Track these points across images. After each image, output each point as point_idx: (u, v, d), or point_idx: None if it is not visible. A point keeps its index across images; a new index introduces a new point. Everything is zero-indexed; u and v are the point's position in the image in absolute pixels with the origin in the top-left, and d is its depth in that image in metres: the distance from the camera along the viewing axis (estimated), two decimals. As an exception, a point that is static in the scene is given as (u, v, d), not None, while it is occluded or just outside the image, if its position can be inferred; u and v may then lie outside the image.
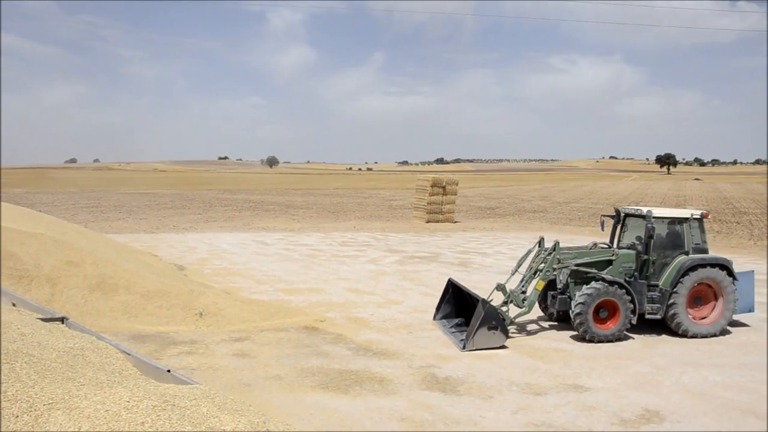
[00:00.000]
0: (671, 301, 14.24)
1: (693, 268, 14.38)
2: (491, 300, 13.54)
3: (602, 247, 15.08)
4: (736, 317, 15.36)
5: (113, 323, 14.23)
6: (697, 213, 15.17)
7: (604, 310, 13.93)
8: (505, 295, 14.05)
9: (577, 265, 14.48)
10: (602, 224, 16.02)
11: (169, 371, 3.41)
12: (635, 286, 14.40)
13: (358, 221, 43.00)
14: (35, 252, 16.79)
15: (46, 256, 16.68)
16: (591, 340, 13.65)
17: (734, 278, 14.65)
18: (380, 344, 13.30)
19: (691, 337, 14.18)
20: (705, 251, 14.99)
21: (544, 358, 12.55)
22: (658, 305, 14.43)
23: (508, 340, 13.33)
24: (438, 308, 15.33)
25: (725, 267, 14.65)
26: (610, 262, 14.62)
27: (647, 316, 14.51)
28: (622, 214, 15.80)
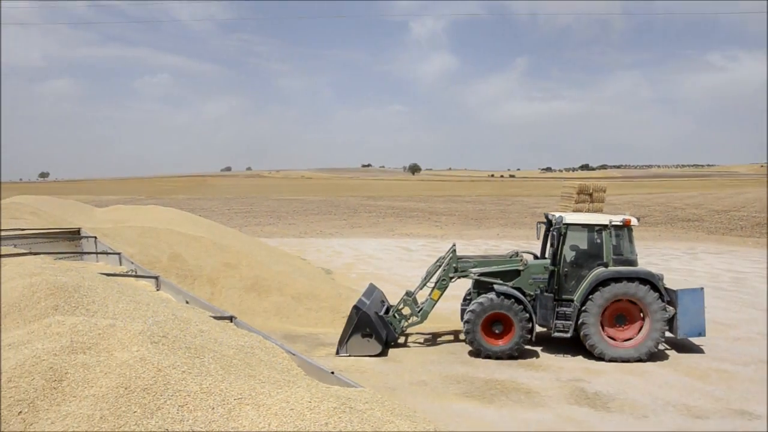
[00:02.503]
0: (581, 319, 12.58)
1: (608, 281, 12.60)
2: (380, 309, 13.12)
3: (514, 257, 13.57)
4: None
5: (266, 323, 14.95)
6: (617, 220, 13.13)
7: (499, 324, 12.67)
8: (404, 305, 13.36)
9: (481, 274, 13.29)
10: (537, 231, 14.46)
11: (332, 373, 3.54)
12: (541, 299, 13.01)
13: (501, 228, 42.48)
14: (197, 254, 18.06)
15: (207, 258, 17.88)
16: (487, 357, 12.45)
17: (661, 295, 12.62)
18: (527, 355, 13.03)
19: (609, 360, 12.45)
20: (631, 263, 13.03)
21: (704, 378, 11.70)
22: (569, 323, 12.78)
23: (642, 355, 12.57)
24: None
25: (649, 282, 12.65)
26: (518, 273, 13.25)
27: (554, 335, 12.94)
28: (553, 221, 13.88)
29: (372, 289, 14.36)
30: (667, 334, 12.98)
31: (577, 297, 12.85)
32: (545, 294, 13.10)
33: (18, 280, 4.23)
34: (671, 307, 12.99)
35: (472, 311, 12.65)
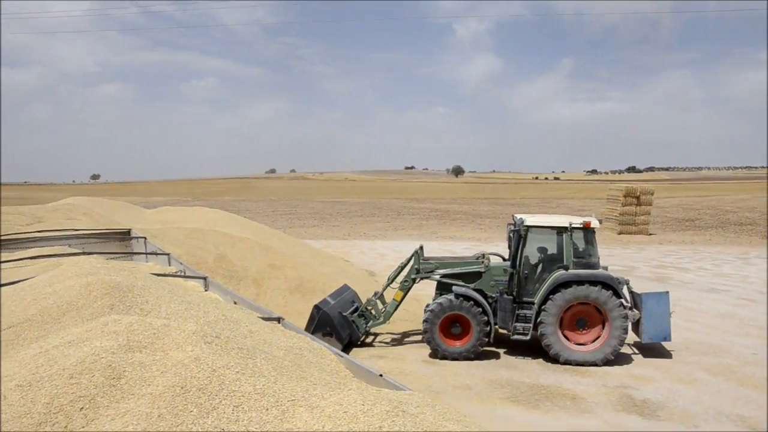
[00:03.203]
0: (539, 320, 12.53)
1: (567, 284, 12.47)
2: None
3: (480, 259, 13.59)
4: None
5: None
6: (577, 222, 12.92)
7: (458, 326, 12.74)
8: (369, 306, 13.51)
9: (443, 276, 13.38)
10: (508, 234, 14.19)
11: (381, 375, 3.55)
12: (501, 302, 12.91)
13: (545, 232, 41.92)
14: (243, 255, 18.30)
15: (253, 259, 18.11)
16: (443, 357, 12.56)
17: (622, 299, 12.51)
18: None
19: (564, 363, 12.36)
20: (592, 266, 12.81)
21: (759, 388, 11.30)
22: (528, 325, 12.72)
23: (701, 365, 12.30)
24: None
25: (609, 285, 12.44)
26: (480, 275, 13.25)
27: (513, 337, 12.86)
28: None
29: (343, 289, 14.58)
30: (635, 338, 13.12)
31: (537, 299, 12.83)
32: (505, 296, 13.06)
33: (75, 280, 4.35)
34: (636, 311, 12.95)
35: (430, 311, 12.84)
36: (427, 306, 13.15)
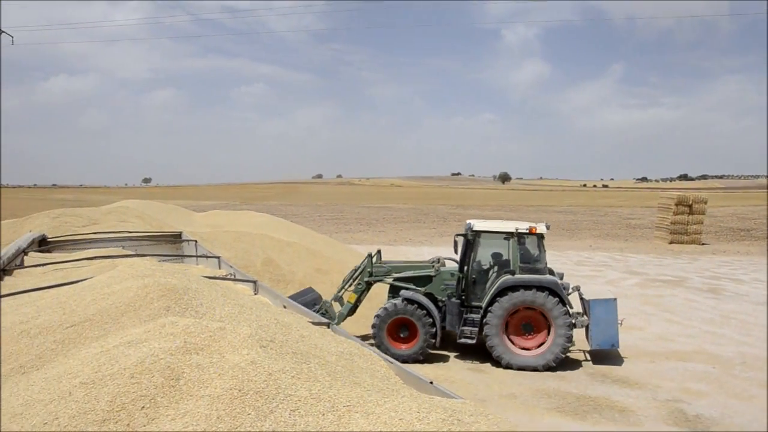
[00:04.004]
0: (485, 322, 12.67)
1: (513, 289, 12.59)
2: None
3: (435, 263, 13.83)
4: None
5: (357, 329, 15.11)
6: (523, 227, 13.03)
7: (405, 329, 12.91)
8: (325, 308, 13.59)
9: (395, 279, 13.68)
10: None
11: (431, 383, 3.55)
12: (448, 305, 13.10)
13: (594, 240, 41.36)
14: (290, 259, 18.51)
15: (299, 263, 18.31)
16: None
17: (565, 305, 12.55)
18: (620, 371, 12.64)
19: (506, 366, 12.43)
20: (538, 271, 12.89)
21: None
22: (475, 329, 12.88)
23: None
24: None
25: (555, 292, 12.50)
26: (430, 279, 13.48)
27: (459, 341, 12.94)
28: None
29: (306, 291, 14.73)
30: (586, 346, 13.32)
31: (484, 303, 13.04)
32: (453, 300, 13.29)
33: (131, 281, 4.47)
34: (586, 318, 13.05)
35: (377, 315, 13.14)
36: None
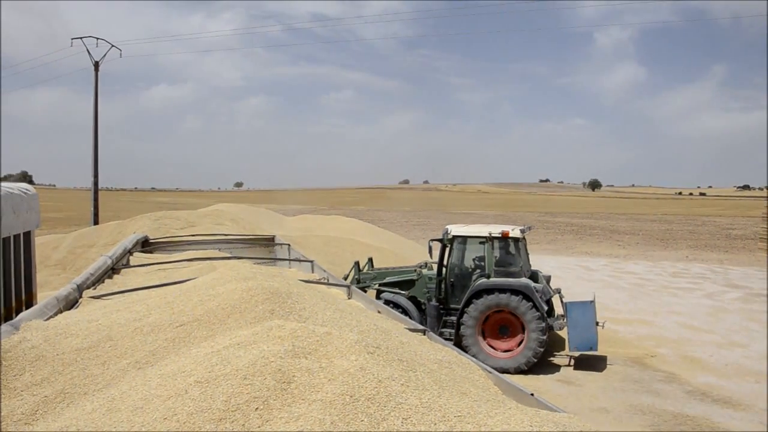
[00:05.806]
0: (460, 323, 13.02)
1: (488, 291, 12.61)
2: None
3: (420, 268, 14.35)
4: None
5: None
6: (496, 232, 13.00)
7: None
8: None
9: (380, 284, 13.97)
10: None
11: (532, 395, 3.49)
12: (428, 308, 13.34)
13: (690, 251, 39.65)
14: (378, 264, 18.64)
15: (388, 268, 18.41)
16: None
17: (539, 309, 12.65)
18: (722, 390, 12.04)
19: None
20: (512, 274, 12.87)
21: None
22: (454, 330, 12.98)
23: None
24: None
25: (527, 296, 12.23)
26: (413, 282, 13.77)
27: None
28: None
29: None
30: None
31: (461, 305, 13.34)
32: (432, 303, 13.59)
33: (235, 284, 4.61)
34: (564, 321, 13.07)
35: None
36: None
